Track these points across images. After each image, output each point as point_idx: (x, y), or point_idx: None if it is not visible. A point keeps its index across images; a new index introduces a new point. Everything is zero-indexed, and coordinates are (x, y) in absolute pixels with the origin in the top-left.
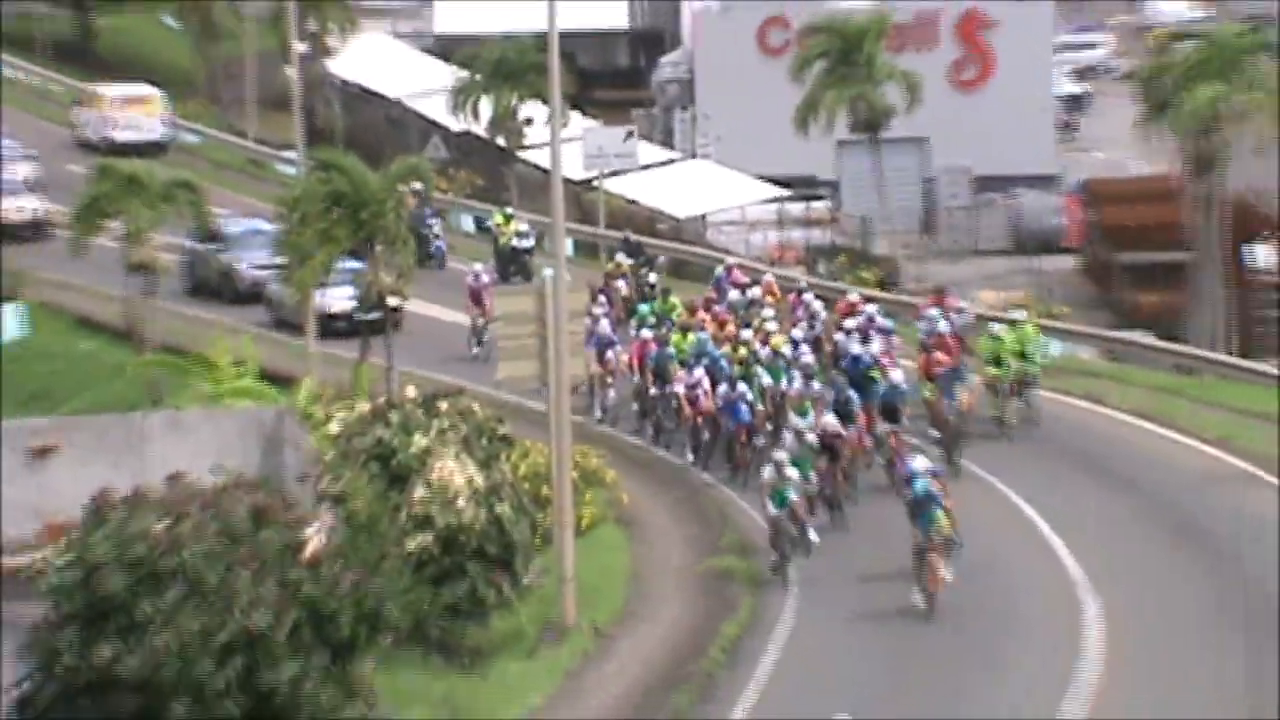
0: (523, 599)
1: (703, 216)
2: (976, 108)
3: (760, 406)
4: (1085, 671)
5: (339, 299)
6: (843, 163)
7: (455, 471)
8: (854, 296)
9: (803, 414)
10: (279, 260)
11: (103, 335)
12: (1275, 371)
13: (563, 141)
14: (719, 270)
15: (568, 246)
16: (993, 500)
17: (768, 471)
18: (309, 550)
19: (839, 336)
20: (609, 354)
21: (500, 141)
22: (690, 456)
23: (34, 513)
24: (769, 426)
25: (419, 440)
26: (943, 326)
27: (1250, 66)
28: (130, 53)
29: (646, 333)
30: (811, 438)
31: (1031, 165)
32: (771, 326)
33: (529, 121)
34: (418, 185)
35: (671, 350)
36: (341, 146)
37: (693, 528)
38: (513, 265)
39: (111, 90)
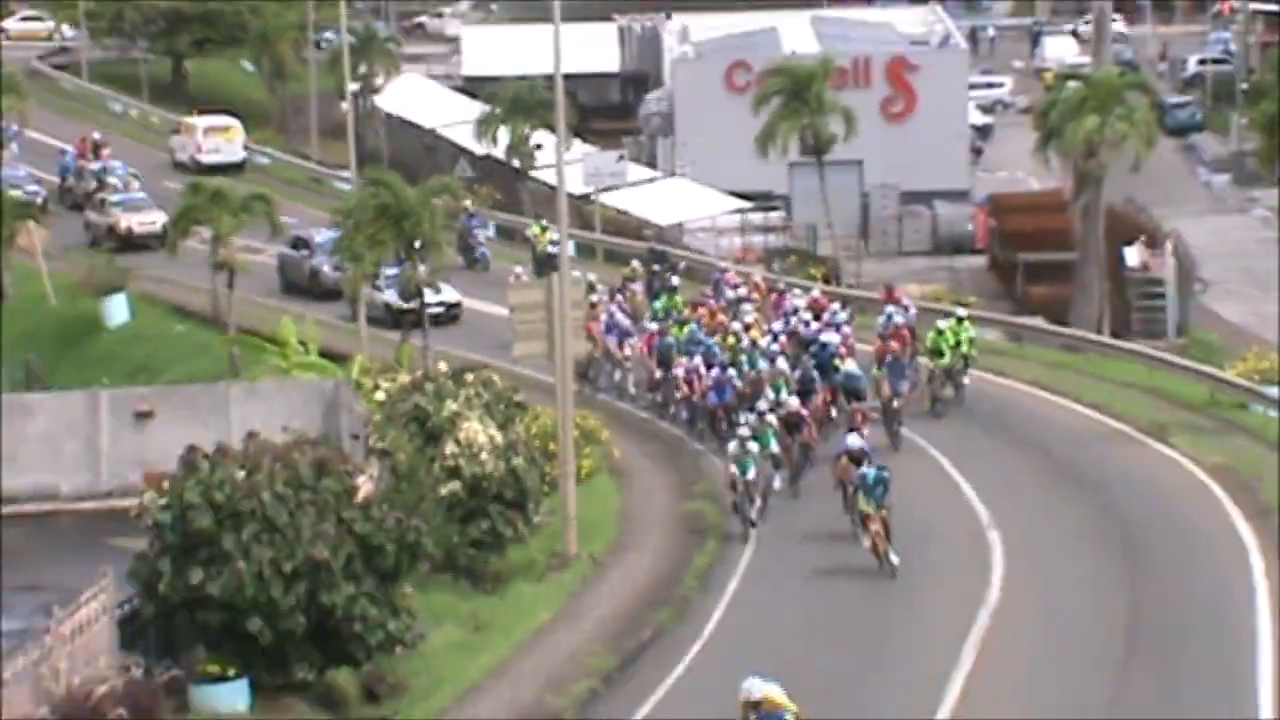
0: (534, 534)
1: (680, 224)
2: (903, 136)
3: (739, 385)
4: (991, 589)
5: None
6: (794, 180)
7: (479, 431)
8: (816, 292)
9: (777, 389)
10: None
11: (193, 320)
12: (1145, 350)
13: (566, 163)
14: (716, 274)
15: (570, 248)
16: (917, 455)
17: (733, 446)
18: (361, 494)
19: (804, 327)
20: (626, 343)
21: (515, 163)
22: (686, 426)
23: (137, 464)
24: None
25: (450, 405)
26: (898, 318)
27: (1124, 102)
28: (215, 90)
29: (653, 325)
30: (772, 418)
31: (948, 182)
32: (749, 319)
33: (539, 147)
34: (468, 202)
35: (671, 340)
36: (386, 167)
37: (673, 477)
38: (547, 267)
39: (200, 121)
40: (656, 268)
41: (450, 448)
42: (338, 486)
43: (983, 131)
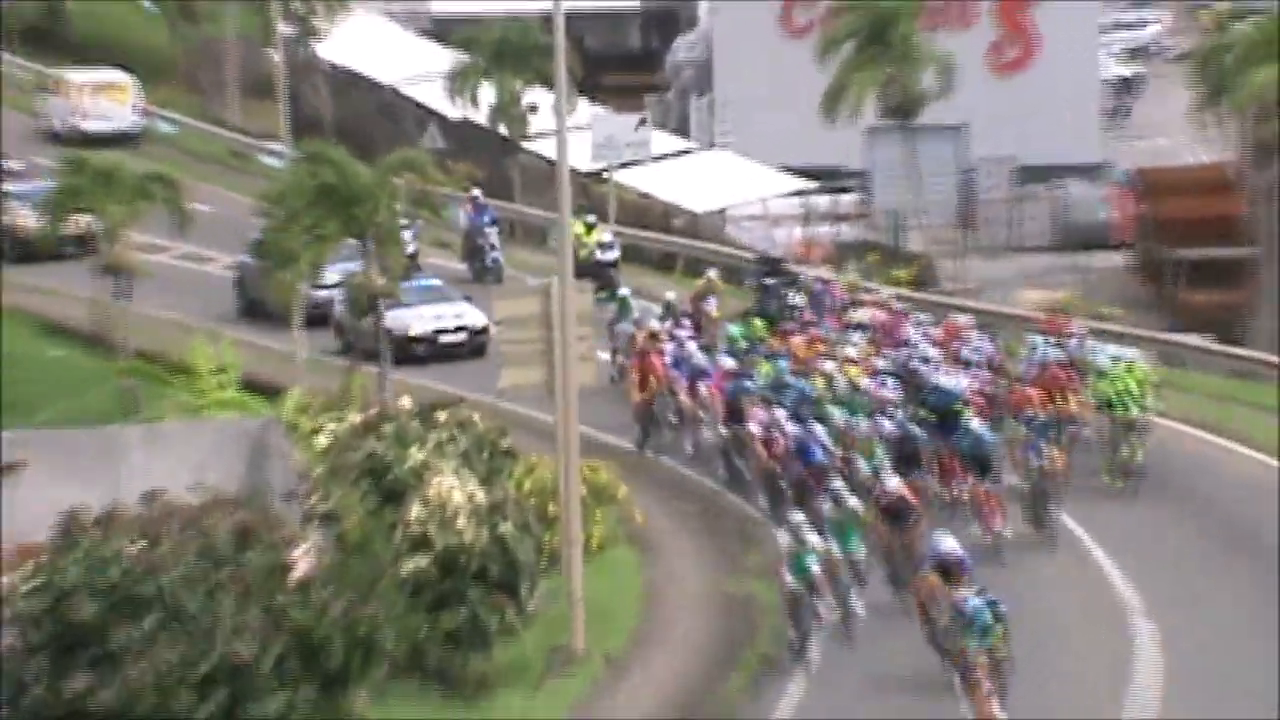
0: (528, 625)
1: (722, 211)
2: (1018, 92)
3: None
4: (1140, 701)
5: (420, 320)
6: (873, 152)
7: (454, 488)
8: (962, 319)
9: (871, 459)
10: (343, 280)
11: (72, 341)
12: None
13: (569, 130)
14: (818, 285)
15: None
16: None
17: (783, 537)
18: (297, 573)
19: (916, 365)
20: (701, 385)
21: (502, 130)
22: (764, 505)
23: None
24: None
25: (415, 454)
26: (1052, 355)
27: None
28: (101, 35)
29: (729, 361)
30: (855, 502)
31: (1077, 154)
32: (851, 352)
33: (533, 109)
34: (476, 191)
35: (748, 383)
36: (330, 137)
37: (714, 548)
38: (598, 280)
39: (80, 76)
40: (770, 281)
41: (416, 510)
42: (266, 563)
43: (1128, 85)
